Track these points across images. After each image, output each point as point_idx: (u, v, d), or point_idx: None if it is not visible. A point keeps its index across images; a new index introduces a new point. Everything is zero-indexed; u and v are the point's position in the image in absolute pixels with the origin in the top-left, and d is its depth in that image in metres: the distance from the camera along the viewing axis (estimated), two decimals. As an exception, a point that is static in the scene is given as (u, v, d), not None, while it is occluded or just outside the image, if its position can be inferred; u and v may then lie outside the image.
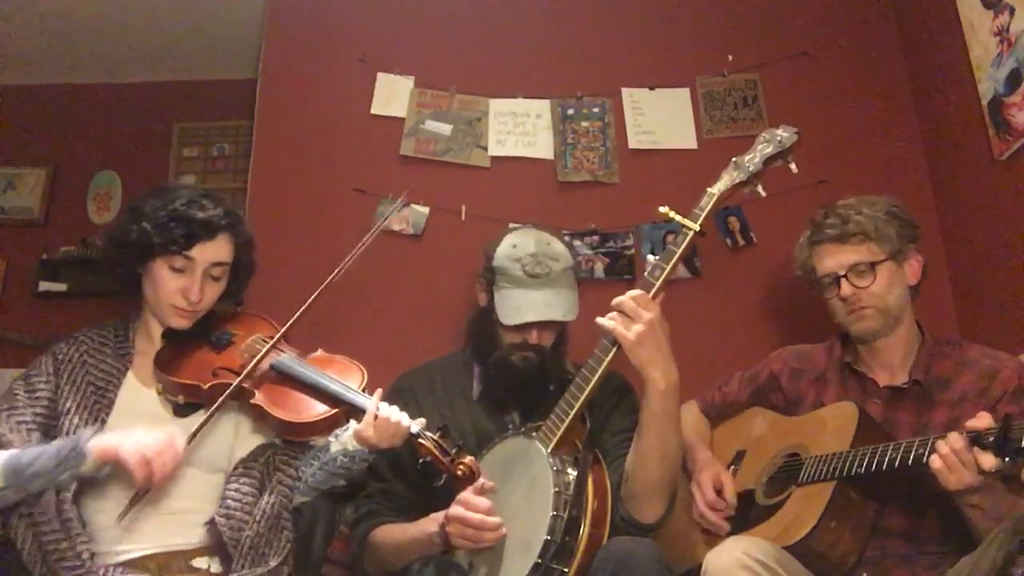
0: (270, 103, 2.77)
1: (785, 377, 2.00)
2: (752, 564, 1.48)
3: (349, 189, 2.63)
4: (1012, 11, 2.20)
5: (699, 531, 1.87)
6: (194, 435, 1.58)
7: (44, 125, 3.65)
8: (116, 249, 1.72)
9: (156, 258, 1.69)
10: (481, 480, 1.59)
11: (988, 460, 1.39)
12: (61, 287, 3.45)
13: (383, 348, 2.40)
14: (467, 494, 1.59)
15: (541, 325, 1.89)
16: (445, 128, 2.70)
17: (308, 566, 1.77)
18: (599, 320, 1.64)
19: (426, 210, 2.62)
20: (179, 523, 1.62)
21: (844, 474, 1.63)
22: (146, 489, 1.48)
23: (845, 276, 1.83)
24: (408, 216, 2.61)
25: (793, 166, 1.71)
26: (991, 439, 1.39)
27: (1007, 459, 1.36)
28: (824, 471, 1.67)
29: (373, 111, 2.71)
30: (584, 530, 1.59)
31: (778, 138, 1.69)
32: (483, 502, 1.59)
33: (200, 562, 1.59)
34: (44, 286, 3.44)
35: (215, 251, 1.72)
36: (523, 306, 1.87)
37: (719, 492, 1.83)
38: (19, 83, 3.63)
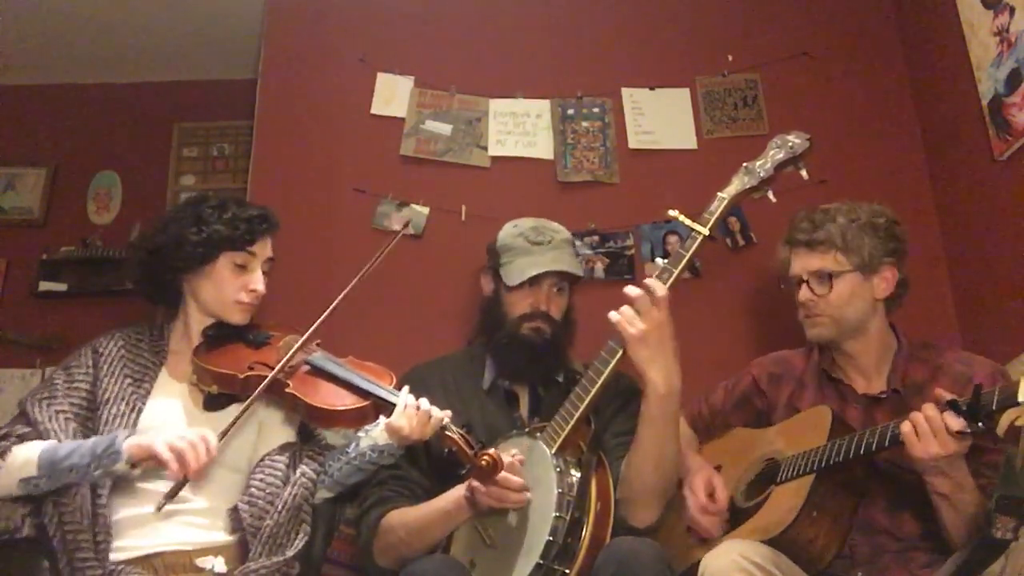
0: (270, 103, 2.77)
1: (765, 381, 2.01)
2: (749, 567, 1.48)
3: (349, 189, 2.63)
4: (1012, 11, 2.20)
5: (694, 533, 1.87)
6: (229, 428, 1.62)
7: (44, 125, 3.64)
8: (170, 254, 1.77)
9: (220, 257, 1.77)
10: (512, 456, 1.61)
11: (955, 422, 1.45)
12: (61, 287, 3.44)
13: (383, 348, 2.38)
14: None
15: (550, 287, 1.93)
16: (445, 128, 2.70)
17: (308, 566, 1.77)
18: (611, 314, 1.63)
19: (426, 210, 2.61)
20: (192, 521, 1.65)
21: (823, 465, 1.64)
22: (183, 482, 1.52)
23: (807, 281, 1.84)
24: (408, 216, 2.61)
25: (804, 172, 1.71)
26: (964, 408, 1.45)
27: (979, 423, 1.43)
28: (802, 466, 1.68)
29: (373, 111, 2.71)
30: (586, 532, 1.60)
31: (790, 144, 1.70)
32: (505, 459, 1.59)
33: (204, 561, 1.61)
34: (44, 286, 3.43)
35: (268, 247, 1.86)
36: (530, 265, 1.93)
37: (711, 496, 1.82)
38: (19, 83, 3.62)
